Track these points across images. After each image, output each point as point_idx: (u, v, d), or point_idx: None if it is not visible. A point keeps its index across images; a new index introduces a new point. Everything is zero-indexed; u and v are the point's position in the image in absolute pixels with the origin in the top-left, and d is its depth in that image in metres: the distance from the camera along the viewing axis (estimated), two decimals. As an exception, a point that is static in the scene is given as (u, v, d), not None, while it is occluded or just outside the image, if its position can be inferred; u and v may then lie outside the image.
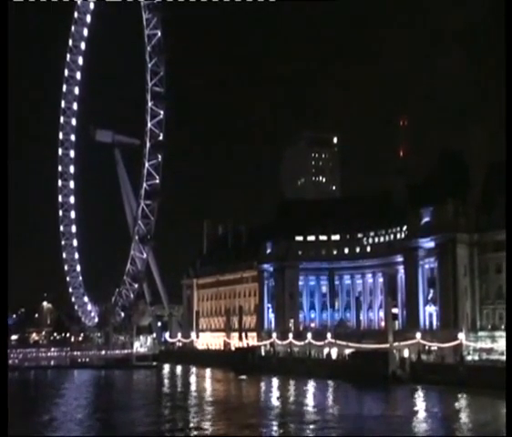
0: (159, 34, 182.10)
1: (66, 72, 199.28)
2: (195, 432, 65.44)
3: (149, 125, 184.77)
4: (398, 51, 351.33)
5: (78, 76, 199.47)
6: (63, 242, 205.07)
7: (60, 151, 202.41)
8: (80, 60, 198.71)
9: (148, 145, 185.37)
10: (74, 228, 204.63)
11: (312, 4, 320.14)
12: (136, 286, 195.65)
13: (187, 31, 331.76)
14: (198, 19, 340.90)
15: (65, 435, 64.28)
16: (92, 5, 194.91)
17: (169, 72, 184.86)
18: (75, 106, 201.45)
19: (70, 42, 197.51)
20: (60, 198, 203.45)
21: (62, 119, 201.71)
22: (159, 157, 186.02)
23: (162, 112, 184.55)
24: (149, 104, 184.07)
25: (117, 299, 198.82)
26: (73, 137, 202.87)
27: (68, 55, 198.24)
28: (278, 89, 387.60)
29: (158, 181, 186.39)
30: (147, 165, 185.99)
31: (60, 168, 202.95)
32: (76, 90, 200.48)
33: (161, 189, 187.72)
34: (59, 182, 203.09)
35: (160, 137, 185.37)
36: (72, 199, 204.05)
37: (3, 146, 46.28)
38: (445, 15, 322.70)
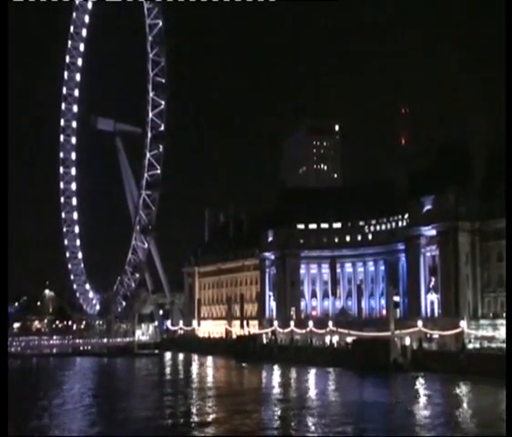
0: (161, 24, 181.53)
1: (68, 58, 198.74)
2: (196, 421, 65.63)
3: (151, 115, 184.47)
4: (400, 40, 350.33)
5: (80, 62, 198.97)
6: (64, 229, 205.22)
7: (62, 138, 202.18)
8: (81, 47, 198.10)
9: (149, 135, 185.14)
10: (75, 215, 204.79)
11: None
12: (137, 275, 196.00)
13: (188, 21, 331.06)
14: (198, 10, 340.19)
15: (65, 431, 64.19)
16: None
17: (171, 62, 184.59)
18: (76, 92, 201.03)
19: (71, 28, 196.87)
20: (62, 185, 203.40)
21: (63, 106, 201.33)
22: (161, 147, 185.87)
23: (163, 102, 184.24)
24: (151, 94, 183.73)
25: (119, 288, 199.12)
26: (74, 124, 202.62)
27: (70, 42, 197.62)
28: (279, 77, 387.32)
29: (159, 172, 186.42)
30: (148, 155, 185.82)
31: (62, 155, 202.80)
32: (78, 77, 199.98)
33: (162, 180, 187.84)
34: (61, 169, 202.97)
35: (161, 128, 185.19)
36: (74, 186, 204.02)
37: (3, 139, 46.04)
38: (447, 5, 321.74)
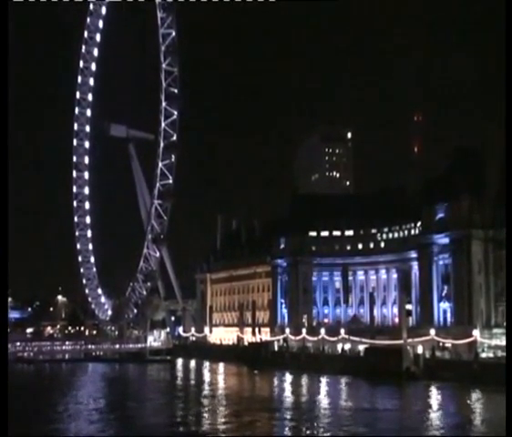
0: (174, 33, 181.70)
1: (81, 63, 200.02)
2: (207, 427, 65.69)
3: (163, 125, 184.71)
4: (413, 47, 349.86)
5: (93, 67, 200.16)
6: (77, 233, 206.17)
7: (75, 142, 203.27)
8: (95, 52, 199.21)
9: (161, 145, 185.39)
10: (88, 219, 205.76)
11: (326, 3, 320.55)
12: (149, 284, 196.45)
13: (201, 30, 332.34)
14: (211, 19, 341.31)
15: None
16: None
17: (184, 71, 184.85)
18: (89, 97, 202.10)
19: (85, 33, 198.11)
20: (75, 189, 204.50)
21: (77, 110, 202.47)
22: (173, 157, 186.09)
23: (176, 112, 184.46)
24: (163, 104, 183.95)
25: (131, 295, 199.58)
26: (88, 128, 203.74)
27: (84, 47, 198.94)
28: (292, 85, 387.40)
29: (171, 181, 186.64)
30: (160, 165, 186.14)
31: (75, 159, 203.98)
32: (91, 81, 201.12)
33: (175, 189, 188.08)
34: (74, 173, 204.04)
35: (174, 138, 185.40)
36: (86, 190, 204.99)
37: (3, 141, 46.18)
38: (461, 9, 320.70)
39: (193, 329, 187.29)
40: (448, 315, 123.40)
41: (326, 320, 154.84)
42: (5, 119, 46.12)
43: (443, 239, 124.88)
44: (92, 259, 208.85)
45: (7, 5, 49.22)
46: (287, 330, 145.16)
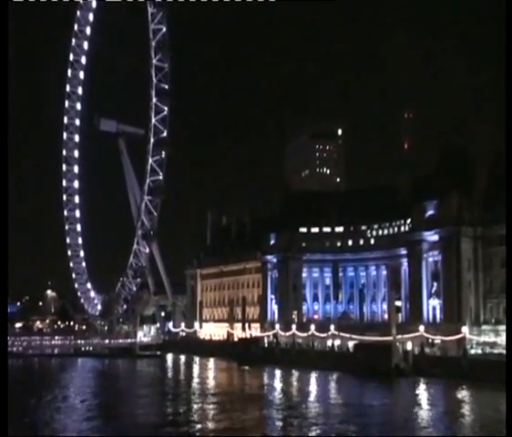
0: (164, 29, 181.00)
1: (71, 56, 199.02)
2: (197, 424, 65.74)
3: (153, 121, 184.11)
4: (404, 46, 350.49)
5: (83, 60, 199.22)
6: (66, 227, 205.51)
7: (65, 135, 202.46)
8: (85, 45, 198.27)
9: (151, 141, 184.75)
10: (78, 213, 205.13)
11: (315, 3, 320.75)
12: (138, 279, 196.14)
13: (191, 27, 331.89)
14: (201, 16, 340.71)
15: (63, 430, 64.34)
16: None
17: (174, 68, 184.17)
18: (79, 90, 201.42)
19: (75, 26, 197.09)
20: (64, 183, 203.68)
21: (67, 103, 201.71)
22: (163, 153, 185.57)
23: (166, 108, 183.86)
24: (154, 100, 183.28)
25: (120, 291, 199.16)
26: (77, 122, 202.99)
27: (74, 40, 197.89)
28: (283, 80, 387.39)
29: (161, 177, 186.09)
30: (150, 161, 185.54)
31: (64, 153, 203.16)
32: (81, 75, 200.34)
33: (165, 185, 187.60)
34: (63, 166, 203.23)
35: (164, 134, 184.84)
36: (76, 184, 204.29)
37: (2, 137, 45.97)
38: (451, 9, 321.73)
39: (183, 324, 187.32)
40: (437, 312, 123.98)
41: (316, 317, 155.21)
42: (4, 119, 45.91)
43: (432, 237, 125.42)
44: (82, 254, 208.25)
45: (7, 5, 48.94)
46: (277, 326, 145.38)
